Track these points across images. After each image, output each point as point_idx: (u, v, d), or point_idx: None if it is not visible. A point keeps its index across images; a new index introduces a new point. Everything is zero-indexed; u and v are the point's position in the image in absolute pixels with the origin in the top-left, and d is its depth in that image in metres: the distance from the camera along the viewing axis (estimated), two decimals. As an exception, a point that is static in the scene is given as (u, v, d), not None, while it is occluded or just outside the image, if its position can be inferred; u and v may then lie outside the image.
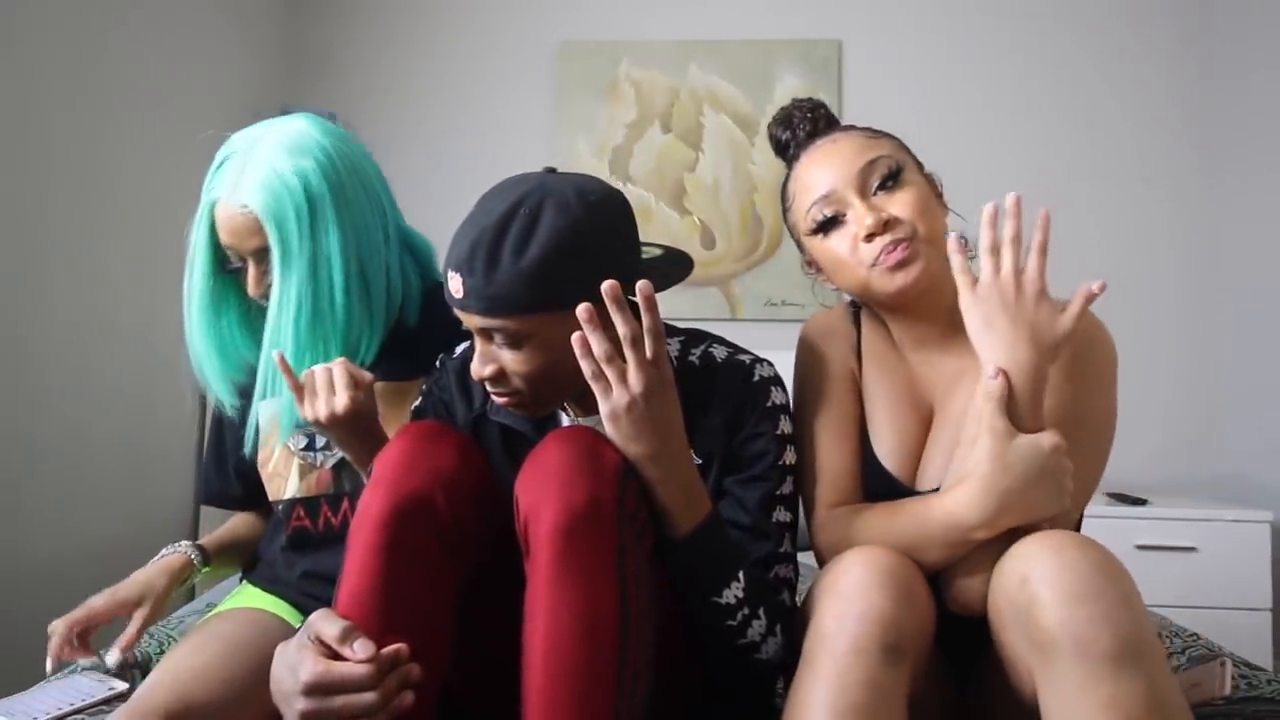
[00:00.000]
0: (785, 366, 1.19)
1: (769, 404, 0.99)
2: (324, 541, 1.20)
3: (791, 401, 1.07)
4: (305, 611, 1.19)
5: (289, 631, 1.12)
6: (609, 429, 0.85)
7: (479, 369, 0.92)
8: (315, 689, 0.74)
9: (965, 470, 0.88)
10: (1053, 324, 0.85)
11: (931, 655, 0.87)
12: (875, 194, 0.98)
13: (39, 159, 1.88)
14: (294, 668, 0.76)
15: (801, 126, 1.08)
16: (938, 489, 0.94)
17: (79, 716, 1.05)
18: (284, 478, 1.21)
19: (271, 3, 2.89)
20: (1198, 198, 2.76)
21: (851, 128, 1.05)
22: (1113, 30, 2.82)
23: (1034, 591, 0.75)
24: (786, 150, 1.10)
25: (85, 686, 1.12)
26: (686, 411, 0.94)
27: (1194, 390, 2.71)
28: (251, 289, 1.12)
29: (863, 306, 1.12)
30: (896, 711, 0.77)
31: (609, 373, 0.82)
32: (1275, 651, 2.23)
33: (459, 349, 1.10)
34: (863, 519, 0.96)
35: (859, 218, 0.97)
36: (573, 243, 0.87)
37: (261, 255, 1.10)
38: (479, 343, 0.93)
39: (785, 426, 1.00)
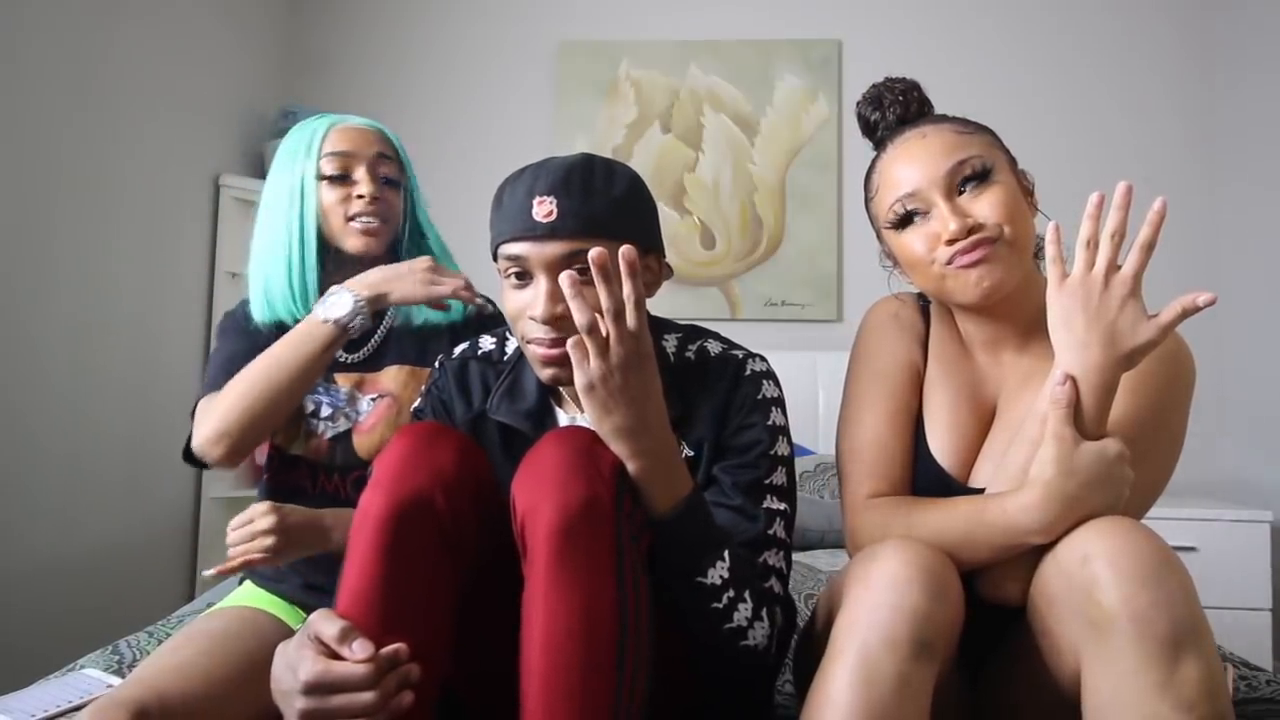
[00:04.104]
0: (784, 366, 1.19)
1: (760, 396, 0.99)
2: (311, 503, 1.23)
3: (844, 378, 1.08)
4: (306, 609, 1.20)
5: (283, 630, 1.12)
6: (584, 401, 0.83)
7: (550, 308, 0.90)
8: (314, 688, 0.75)
9: (1015, 465, 0.87)
10: (1134, 330, 0.82)
11: (954, 653, 0.86)
12: (961, 194, 0.94)
13: (41, 158, 1.88)
14: (294, 666, 0.76)
15: (892, 109, 1.04)
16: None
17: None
18: (289, 434, 1.27)
19: (271, 3, 2.89)
20: (1197, 198, 2.76)
21: (944, 119, 1.01)
22: (1112, 31, 2.83)
23: (1096, 571, 0.75)
24: (874, 132, 1.06)
25: (85, 685, 1.12)
26: (681, 405, 0.96)
27: (1194, 390, 2.71)
28: (366, 187, 1.24)
29: (932, 301, 1.09)
30: (923, 708, 0.76)
31: (589, 343, 0.80)
32: (1275, 651, 2.23)
33: (457, 350, 1.10)
34: (909, 512, 0.94)
35: (942, 219, 0.93)
36: (642, 190, 0.97)
37: (376, 162, 1.26)
38: (547, 282, 0.90)
39: (778, 419, 1.00)
